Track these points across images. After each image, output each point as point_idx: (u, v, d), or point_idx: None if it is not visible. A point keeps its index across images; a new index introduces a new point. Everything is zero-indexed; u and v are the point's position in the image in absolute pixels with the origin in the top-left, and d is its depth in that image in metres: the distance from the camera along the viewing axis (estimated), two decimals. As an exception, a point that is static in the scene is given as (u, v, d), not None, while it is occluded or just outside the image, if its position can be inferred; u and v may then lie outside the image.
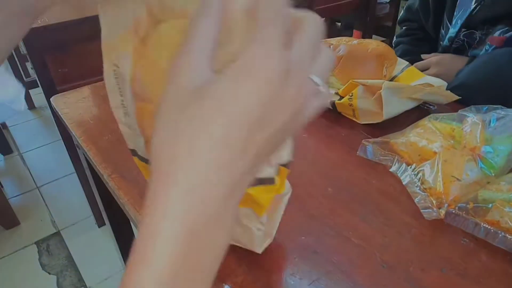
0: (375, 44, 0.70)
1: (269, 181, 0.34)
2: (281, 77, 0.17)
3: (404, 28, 1.04)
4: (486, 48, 0.82)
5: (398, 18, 1.08)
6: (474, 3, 0.82)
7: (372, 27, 1.86)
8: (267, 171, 0.34)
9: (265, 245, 0.43)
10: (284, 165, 0.35)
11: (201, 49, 0.19)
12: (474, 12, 0.82)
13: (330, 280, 0.41)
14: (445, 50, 0.91)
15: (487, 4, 0.80)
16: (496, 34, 0.80)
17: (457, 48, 0.89)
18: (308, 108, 0.20)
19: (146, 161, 0.38)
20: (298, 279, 0.42)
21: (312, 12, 0.20)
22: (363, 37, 1.85)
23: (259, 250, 0.42)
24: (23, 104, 1.26)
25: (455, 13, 0.87)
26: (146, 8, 0.28)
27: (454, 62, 0.84)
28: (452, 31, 0.88)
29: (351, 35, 2.06)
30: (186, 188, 0.17)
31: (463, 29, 0.86)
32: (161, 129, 0.18)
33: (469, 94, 0.69)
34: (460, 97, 0.66)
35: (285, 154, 0.34)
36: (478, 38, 0.85)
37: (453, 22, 0.88)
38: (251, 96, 0.17)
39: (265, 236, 0.42)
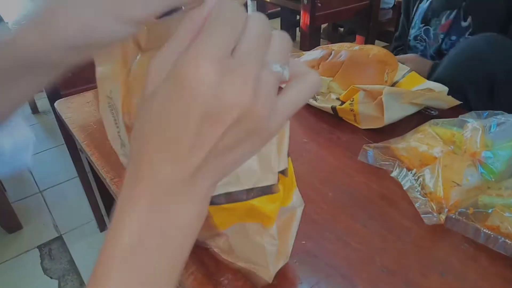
0: (376, 50, 0.70)
1: (270, 189, 0.34)
2: (215, 75, 0.18)
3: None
4: (445, 39, 0.89)
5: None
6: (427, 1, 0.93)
7: (374, 32, 1.87)
8: (267, 178, 0.33)
9: (279, 265, 0.40)
10: (282, 172, 0.35)
11: (170, 55, 0.20)
12: (428, 7, 0.94)
13: (330, 284, 0.42)
14: (432, 56, 0.96)
15: None
16: (443, 22, 0.89)
17: (439, 52, 0.94)
18: (269, 99, 0.20)
19: None
20: (298, 283, 0.42)
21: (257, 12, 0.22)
22: (366, 42, 1.85)
23: (272, 269, 0.39)
24: (30, 156, 1.11)
25: (416, 17, 0.99)
26: (133, 40, 0.28)
27: (419, 63, 0.88)
28: (414, 31, 0.99)
29: (353, 40, 2.07)
30: (148, 180, 0.20)
31: (421, 25, 0.96)
32: (133, 131, 0.22)
33: (454, 83, 0.71)
34: (462, 102, 0.67)
35: (281, 160, 0.34)
36: (432, 34, 0.94)
37: (413, 24, 1.00)
38: (188, 98, 0.18)
39: (278, 254, 0.39)
